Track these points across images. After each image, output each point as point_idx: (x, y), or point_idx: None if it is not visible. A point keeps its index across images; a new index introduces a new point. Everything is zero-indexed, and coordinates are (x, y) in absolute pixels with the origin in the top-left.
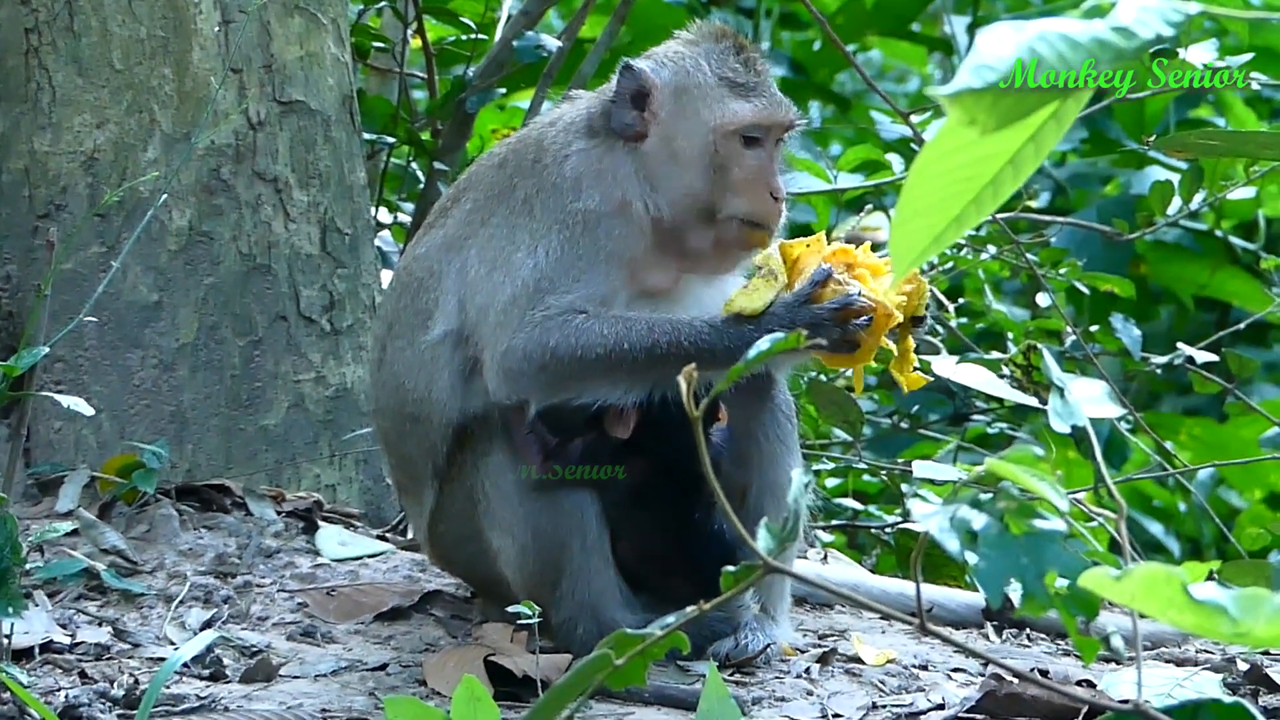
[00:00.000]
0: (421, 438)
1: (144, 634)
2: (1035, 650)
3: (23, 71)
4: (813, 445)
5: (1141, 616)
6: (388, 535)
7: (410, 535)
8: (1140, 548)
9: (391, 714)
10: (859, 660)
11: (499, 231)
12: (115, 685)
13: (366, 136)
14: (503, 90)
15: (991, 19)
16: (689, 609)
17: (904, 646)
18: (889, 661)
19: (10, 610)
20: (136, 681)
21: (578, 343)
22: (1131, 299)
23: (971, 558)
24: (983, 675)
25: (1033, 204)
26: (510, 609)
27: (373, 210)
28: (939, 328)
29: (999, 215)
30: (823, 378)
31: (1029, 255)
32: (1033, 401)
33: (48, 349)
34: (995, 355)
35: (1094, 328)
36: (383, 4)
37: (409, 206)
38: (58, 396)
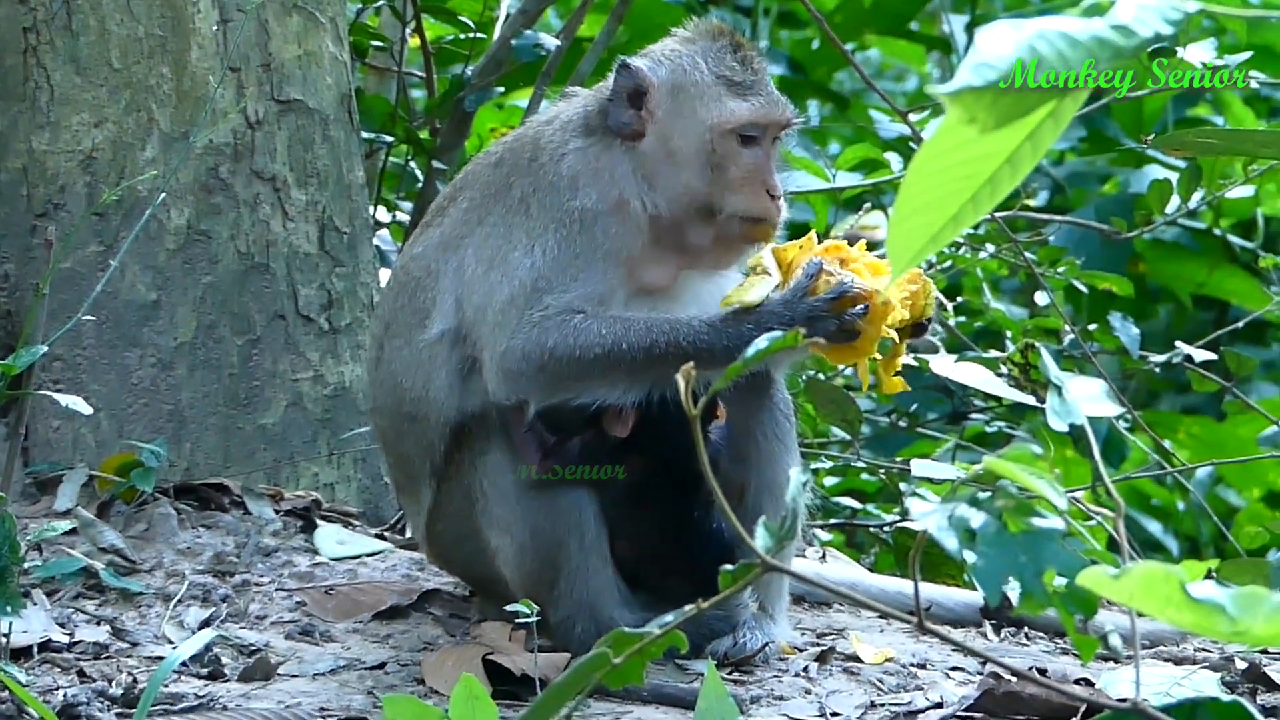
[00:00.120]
0: (419, 436)
1: (142, 633)
2: (1033, 649)
3: (21, 70)
4: (811, 444)
5: (1140, 615)
6: (386, 534)
7: (408, 534)
8: (1139, 546)
9: (390, 713)
10: (857, 659)
11: (495, 230)
12: (113, 684)
13: (365, 135)
14: (501, 89)
15: (990, 17)
16: (687, 608)
17: (902, 645)
18: (887, 660)
19: (8, 609)
20: (135, 680)
21: (576, 343)
22: (1130, 297)
23: (970, 556)
24: (981, 674)
25: (1031, 202)
26: (508, 608)
27: (371, 209)
28: (938, 326)
29: (997, 214)
30: (821, 376)
31: (1027, 254)
32: (1031, 400)
33: (46, 348)
34: (994, 354)
35: (1092, 326)
36: (381, 3)
37: (407, 205)
38: (56, 395)
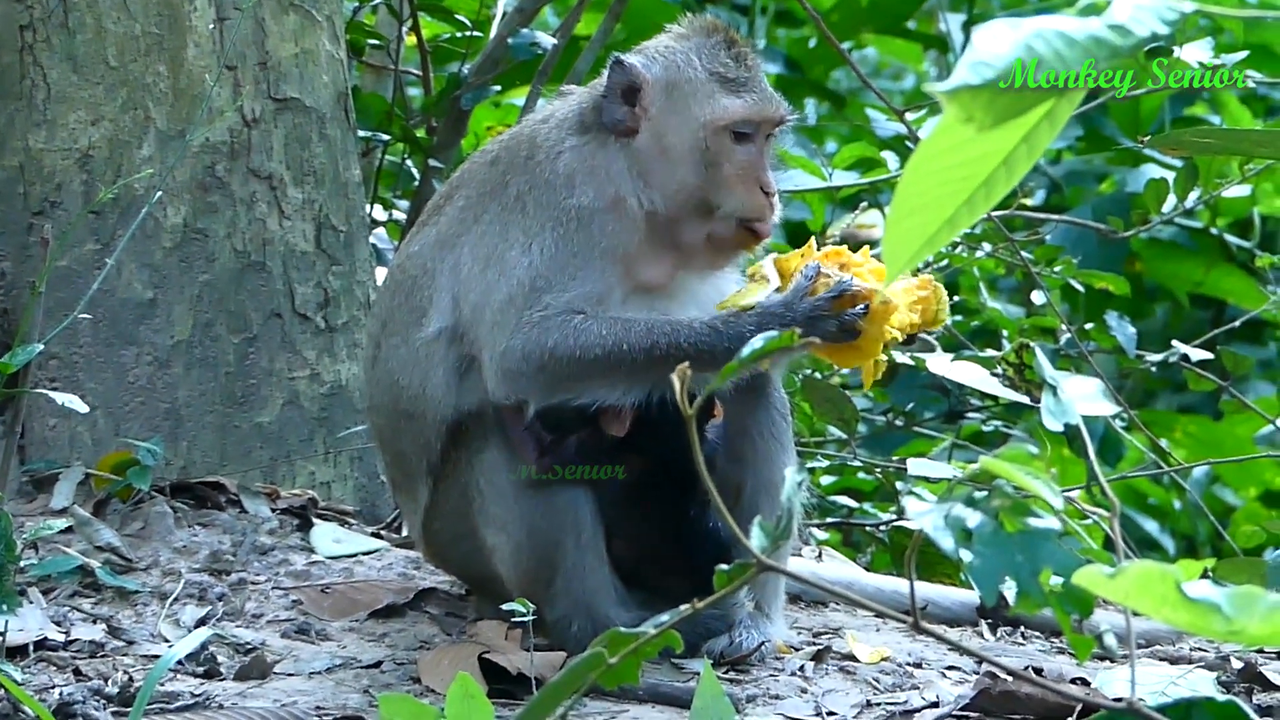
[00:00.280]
0: (416, 435)
1: (138, 631)
2: (1029, 648)
3: (17, 68)
4: (808, 442)
5: (1135, 614)
6: (382, 532)
7: (405, 532)
8: (1135, 545)
9: (386, 711)
10: (853, 658)
11: (491, 229)
12: (109, 683)
13: (361, 133)
14: (498, 87)
15: (987, 16)
16: (683, 607)
17: (898, 644)
18: (883, 659)
19: (4, 607)
20: (131, 679)
21: (577, 343)
22: (1126, 296)
23: (966, 555)
24: (977, 673)
25: (1028, 201)
26: (505, 606)
27: (368, 207)
28: (925, 335)
29: (994, 213)
30: (817, 375)
31: (1024, 253)
32: (1026, 400)
33: (42, 346)
34: (990, 353)
35: (1089, 325)
36: (378, 1)
37: (404, 204)
38: (52, 394)
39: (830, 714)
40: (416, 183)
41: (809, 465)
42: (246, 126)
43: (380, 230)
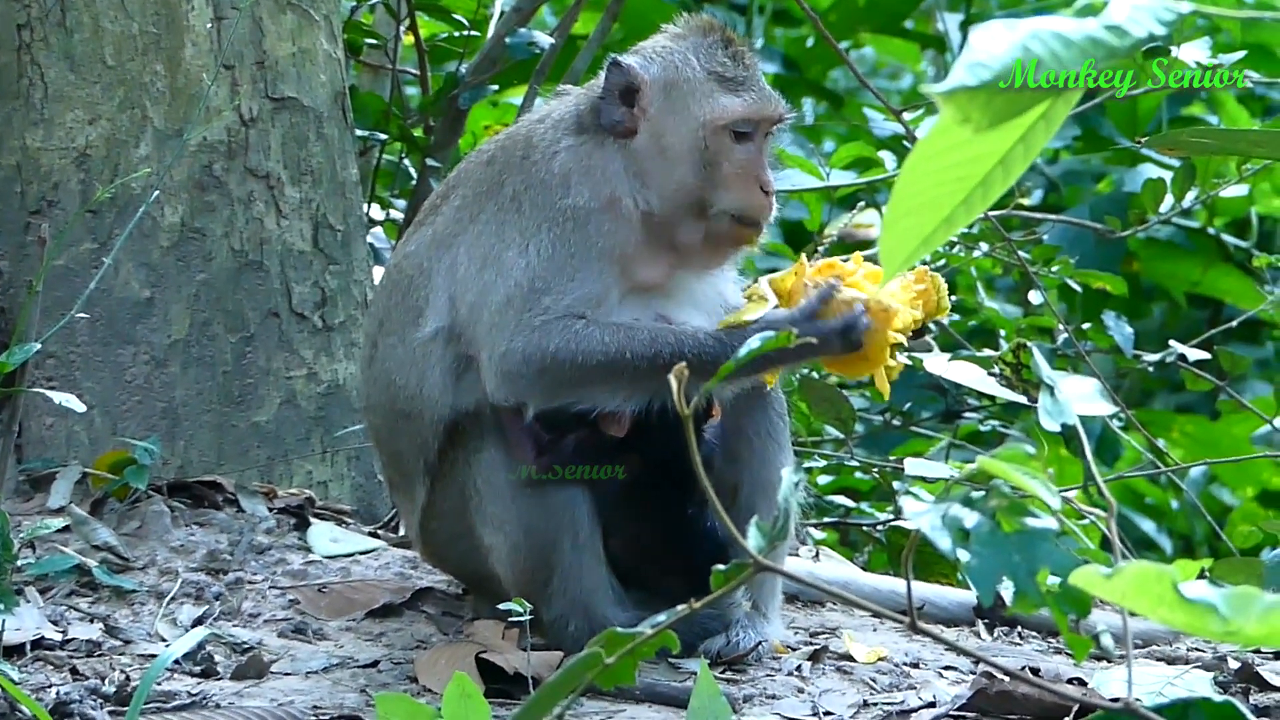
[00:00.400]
0: (413, 434)
1: (135, 630)
2: (1026, 648)
3: (15, 67)
4: (805, 442)
5: (1132, 614)
6: (379, 532)
7: (402, 532)
8: (1132, 545)
9: (383, 711)
10: (850, 658)
11: (488, 229)
12: (106, 682)
13: (359, 133)
14: (495, 87)
15: (984, 16)
16: (680, 607)
17: (895, 644)
18: (880, 659)
19: (2, 607)
20: (128, 678)
21: (578, 349)
22: (1124, 296)
23: (963, 555)
24: (974, 673)
25: (1025, 201)
26: (502, 606)
27: (365, 207)
28: (930, 324)
29: (991, 212)
30: (815, 375)
31: (1021, 253)
32: (1023, 400)
33: (39, 345)
34: (988, 353)
35: (1086, 325)
36: (375, 0)
37: (401, 203)
38: (49, 393)
39: (827, 714)
40: (414, 182)
41: (806, 465)
42: (244, 126)
43: (378, 229)
